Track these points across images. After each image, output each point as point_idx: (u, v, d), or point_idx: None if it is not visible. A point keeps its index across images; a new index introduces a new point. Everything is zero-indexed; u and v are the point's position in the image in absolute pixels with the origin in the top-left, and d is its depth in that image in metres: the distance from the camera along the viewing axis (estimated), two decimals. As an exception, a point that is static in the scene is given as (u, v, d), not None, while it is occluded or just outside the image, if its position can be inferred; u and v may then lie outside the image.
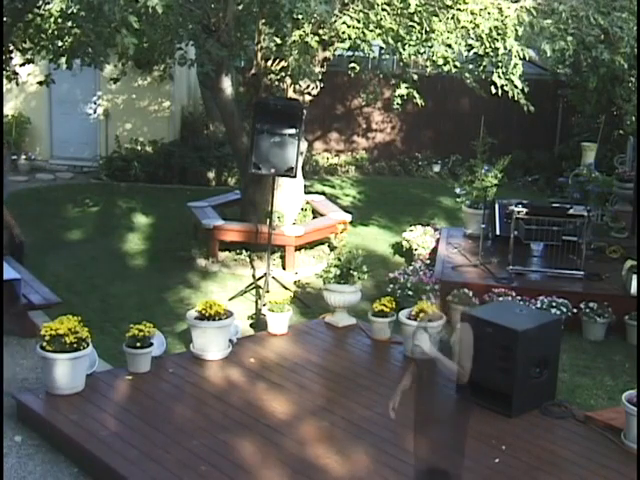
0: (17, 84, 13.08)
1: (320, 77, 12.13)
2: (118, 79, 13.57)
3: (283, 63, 11.90)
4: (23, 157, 17.58)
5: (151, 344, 8.81)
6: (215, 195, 14.55)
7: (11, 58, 12.40)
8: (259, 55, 12.27)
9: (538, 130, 18.81)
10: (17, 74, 12.71)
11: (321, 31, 11.13)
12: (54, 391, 8.16)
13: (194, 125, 18.16)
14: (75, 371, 8.20)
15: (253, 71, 12.57)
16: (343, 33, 10.66)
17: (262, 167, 11.22)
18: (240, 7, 11.70)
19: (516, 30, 10.31)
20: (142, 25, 9.34)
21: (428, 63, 11.52)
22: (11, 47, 12.08)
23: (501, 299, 10.57)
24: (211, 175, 17.17)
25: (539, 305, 10.46)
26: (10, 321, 9.97)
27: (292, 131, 11.18)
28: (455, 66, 11.31)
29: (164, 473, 7.00)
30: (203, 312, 9.16)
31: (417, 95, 12.04)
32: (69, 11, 9.95)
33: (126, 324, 9.12)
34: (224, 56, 11.25)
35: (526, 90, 10.95)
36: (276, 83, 12.37)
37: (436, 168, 19.00)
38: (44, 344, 8.26)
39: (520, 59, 10.59)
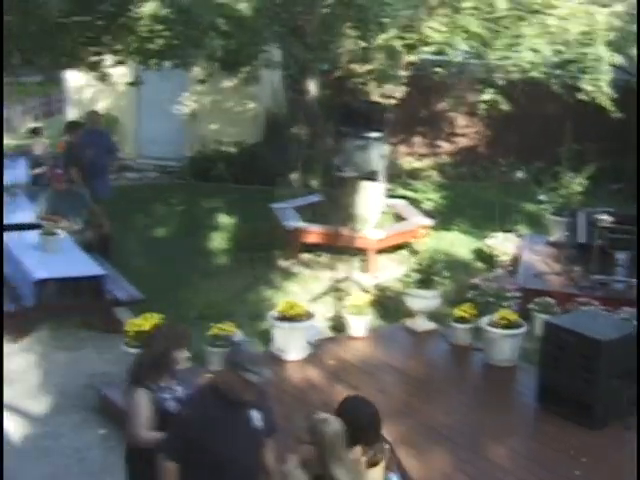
0: (108, 85, 13.37)
1: (404, 81, 12.12)
2: (205, 80, 13.76)
3: (368, 66, 11.92)
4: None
5: (232, 343, 8.90)
6: (298, 197, 14.63)
7: (103, 60, 12.68)
8: (344, 58, 12.31)
9: (626, 137, 18.43)
10: (108, 75, 12.99)
11: (407, 35, 11.13)
12: (137, 386, 8.30)
13: (278, 127, 18.25)
14: (158, 367, 8.33)
15: (338, 74, 12.62)
16: (429, 37, 10.64)
17: (345, 170, 11.26)
18: (326, 10, 11.76)
19: (605, 35, 10.16)
20: (230, 28, 9.46)
21: (514, 68, 11.41)
22: (103, 49, 12.36)
23: (584, 308, 10.41)
24: (294, 177, 17.24)
25: (622, 315, 10.27)
26: (95, 316, 10.22)
27: (376, 134, 11.21)
28: (542, 71, 11.19)
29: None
30: (284, 313, 9.24)
31: (502, 100, 11.94)
32: (160, 14, 10.14)
33: (207, 323, 9.25)
34: (309, 59, 11.34)
35: (614, 96, 10.78)
36: (360, 86, 12.41)
37: (520, 174, 18.75)
38: (128, 340, 8.43)
39: (609, 65, 10.43)
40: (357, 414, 5.14)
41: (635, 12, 10.37)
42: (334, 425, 4.79)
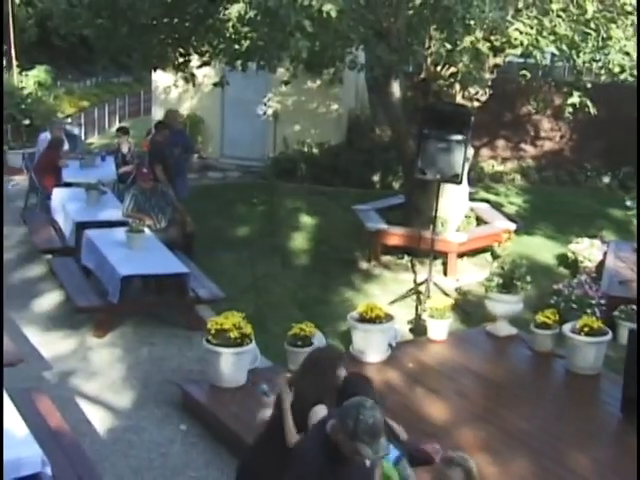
0: (194, 85, 13.54)
1: (489, 83, 12.01)
2: (289, 82, 13.83)
3: (453, 69, 11.85)
4: (196, 156, 18.16)
5: (312, 343, 8.95)
6: (379, 199, 14.62)
7: (189, 61, 12.85)
8: (429, 60, 12.26)
9: None
10: (194, 76, 13.16)
11: (493, 37, 11.02)
12: (218, 383, 8.42)
13: (361, 128, 18.29)
14: (238, 365, 8.43)
15: (422, 76, 12.57)
16: (515, 39, 10.52)
17: (427, 172, 11.20)
18: (412, 12, 11.72)
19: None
20: (315, 29, 9.49)
21: (603, 71, 11.21)
22: (190, 50, 12.53)
23: (671, 317, 10.18)
24: (376, 178, 17.26)
25: None
26: (179, 314, 10.37)
27: (459, 137, 11.10)
28: (632, 74, 10.97)
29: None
30: (364, 314, 9.25)
31: (589, 103, 11.75)
32: (247, 16, 10.23)
33: (287, 322, 9.31)
34: (394, 61, 11.29)
35: None
36: (445, 88, 12.34)
37: (606, 179, 18.45)
38: (210, 338, 8.53)
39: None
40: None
41: None
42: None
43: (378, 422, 4.58)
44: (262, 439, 5.87)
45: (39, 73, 23.02)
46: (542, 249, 13.65)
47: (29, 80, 22.22)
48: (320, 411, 5.34)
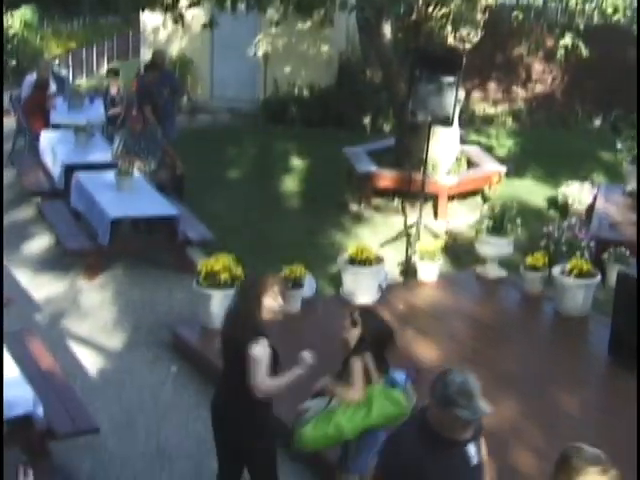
0: (182, 26, 13.36)
1: (481, 25, 11.89)
2: (279, 23, 13.67)
3: (444, 10, 11.72)
4: (185, 97, 17.99)
5: (302, 285, 8.98)
6: (370, 141, 14.56)
7: (178, 1, 12.67)
8: (420, 1, 12.12)
9: None
10: (183, 16, 12.98)
11: (485, -23, 10.91)
12: (208, 325, 8.45)
13: (351, 70, 18.12)
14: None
15: (413, 17, 12.43)
16: (508, -21, 10.41)
17: (418, 114, 11.11)
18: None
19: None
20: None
21: (596, 12, 11.11)
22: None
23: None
24: (366, 121, 17.16)
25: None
26: (169, 256, 10.37)
27: (450, 79, 11.00)
28: (625, 15, 10.87)
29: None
30: (354, 256, 9.26)
31: (582, 45, 11.66)
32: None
33: (278, 264, 9.31)
34: (384, 2, 11.18)
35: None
36: (436, 30, 12.21)
37: (597, 122, 18.38)
38: (200, 280, 8.55)
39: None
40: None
41: None
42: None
43: (469, 380, 4.24)
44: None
45: (25, 12, 22.69)
46: (532, 192, 13.64)
47: (15, 20, 21.91)
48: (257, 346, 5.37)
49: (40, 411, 6.23)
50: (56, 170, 11.88)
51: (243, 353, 5.36)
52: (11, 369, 6.46)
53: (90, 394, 7.67)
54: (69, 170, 11.42)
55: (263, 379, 5.38)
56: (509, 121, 18.47)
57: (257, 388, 5.36)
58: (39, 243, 10.93)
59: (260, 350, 5.36)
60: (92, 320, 9.15)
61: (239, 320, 5.53)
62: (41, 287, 9.75)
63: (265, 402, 5.53)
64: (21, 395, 6.17)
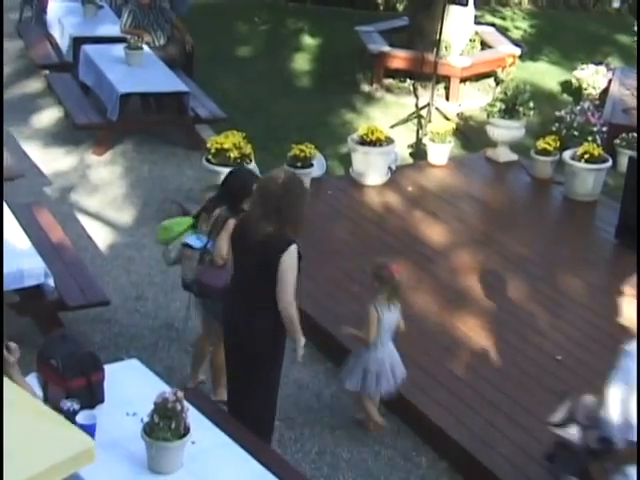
0: None
1: None
2: None
3: None
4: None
5: (312, 165, 8.96)
6: (383, 20, 14.27)
7: None
8: None
9: None
10: None
11: None
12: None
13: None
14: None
15: None
16: None
17: (433, -7, 10.90)
18: None
19: None
20: None
21: None
22: None
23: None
24: (379, -1, 16.81)
25: None
26: (178, 132, 10.32)
27: (467, -44, 10.73)
28: None
29: (317, 288, 7.25)
30: (365, 137, 9.20)
31: None
32: None
33: (288, 144, 9.27)
34: None
35: None
36: None
37: (616, 3, 17.95)
38: (209, 157, 8.52)
39: None
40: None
41: None
42: None
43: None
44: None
45: None
46: (546, 75, 13.44)
47: None
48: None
49: (51, 282, 6.31)
50: (64, 42, 11.70)
51: (272, 261, 5.07)
52: (22, 241, 6.52)
53: (100, 268, 7.76)
54: (77, 43, 11.24)
55: (291, 294, 5.12)
56: (525, 2, 18.06)
57: (284, 301, 5.11)
58: (48, 117, 10.85)
59: (292, 261, 5.09)
60: (101, 195, 9.16)
61: (274, 225, 5.08)
62: (51, 161, 9.73)
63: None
64: (32, 267, 6.24)
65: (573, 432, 4.93)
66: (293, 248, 5.08)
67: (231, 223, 5.69)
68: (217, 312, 5.69)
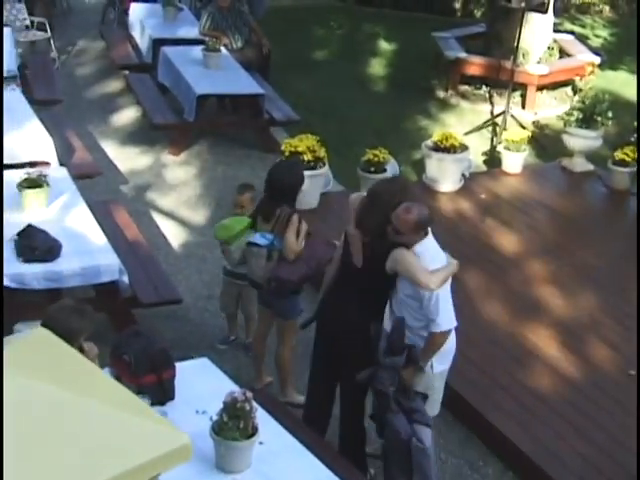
0: None
1: None
2: None
3: None
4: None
5: (385, 170, 8.95)
6: (460, 26, 14.19)
7: None
8: None
9: None
10: None
11: None
12: (290, 205, 8.48)
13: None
14: (311, 188, 8.46)
15: None
16: None
17: (512, 0, 10.80)
18: None
19: None
20: None
21: None
22: None
23: None
24: (457, 5, 16.73)
25: None
26: (253, 134, 10.41)
27: (548, -36, 10.63)
28: None
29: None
30: (439, 143, 9.17)
31: None
32: None
33: (361, 148, 9.29)
34: None
35: None
36: None
37: (699, 14, 17.62)
38: (283, 159, 8.56)
39: None
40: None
41: None
42: None
43: None
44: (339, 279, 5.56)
45: None
46: (626, 85, 13.23)
47: None
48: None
49: (126, 279, 6.41)
50: (144, 44, 11.90)
51: (383, 265, 5.13)
52: (99, 238, 6.64)
53: (173, 266, 7.86)
54: (157, 44, 11.42)
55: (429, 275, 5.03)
56: (606, 9, 17.81)
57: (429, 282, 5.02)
58: (126, 116, 11.04)
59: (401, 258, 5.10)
60: (176, 195, 9.29)
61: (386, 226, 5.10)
62: (127, 159, 9.90)
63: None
64: (108, 263, 6.35)
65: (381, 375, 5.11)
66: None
67: (295, 218, 5.81)
68: (281, 309, 5.96)
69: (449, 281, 5.11)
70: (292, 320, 6.12)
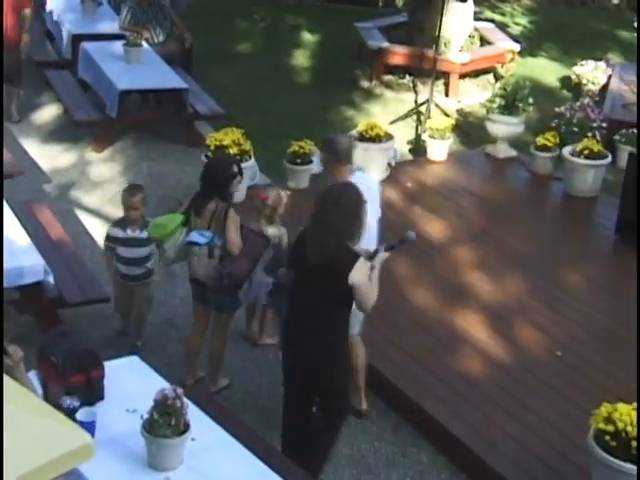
0: None
1: None
2: None
3: None
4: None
5: (311, 161, 8.95)
6: (382, 16, 14.26)
7: None
8: None
9: None
10: None
11: None
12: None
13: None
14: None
15: None
16: None
17: (433, -11, 10.89)
18: None
19: None
20: None
21: None
22: None
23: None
24: (379, -5, 16.79)
25: None
26: (177, 129, 10.31)
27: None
28: None
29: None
30: (364, 133, 9.20)
31: None
32: None
33: (287, 140, 9.27)
34: None
35: None
36: None
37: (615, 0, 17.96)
38: (209, 154, 8.52)
39: None
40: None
41: None
42: None
43: None
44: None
45: None
46: (546, 71, 13.45)
47: None
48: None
49: (51, 279, 6.31)
50: (63, 39, 11.70)
51: (341, 280, 4.89)
52: (22, 238, 6.51)
53: (99, 264, 7.71)
54: (76, 39, 11.24)
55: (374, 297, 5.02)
56: (525, -2, 18.05)
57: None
58: (47, 113, 10.85)
59: (363, 275, 4.96)
60: (101, 192, 9.16)
61: (339, 242, 4.93)
62: (50, 158, 9.73)
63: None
64: (32, 264, 6.24)
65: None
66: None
67: (233, 212, 5.81)
68: (220, 304, 5.93)
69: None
70: (229, 313, 6.13)
